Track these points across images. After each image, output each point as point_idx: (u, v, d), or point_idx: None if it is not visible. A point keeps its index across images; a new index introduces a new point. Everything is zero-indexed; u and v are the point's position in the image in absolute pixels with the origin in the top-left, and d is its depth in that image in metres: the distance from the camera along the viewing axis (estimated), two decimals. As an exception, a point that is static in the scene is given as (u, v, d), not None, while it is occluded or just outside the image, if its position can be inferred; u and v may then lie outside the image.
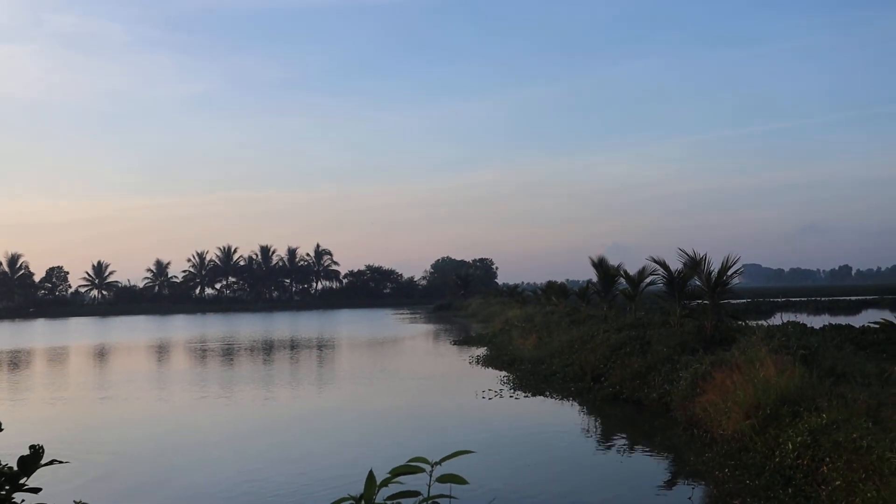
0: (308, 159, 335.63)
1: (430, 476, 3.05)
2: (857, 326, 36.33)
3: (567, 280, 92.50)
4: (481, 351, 45.24)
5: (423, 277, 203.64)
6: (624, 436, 20.72)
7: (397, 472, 2.99)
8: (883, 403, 14.55)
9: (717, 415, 18.46)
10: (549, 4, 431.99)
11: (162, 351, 54.17)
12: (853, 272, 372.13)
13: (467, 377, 33.39)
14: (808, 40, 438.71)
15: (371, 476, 2.98)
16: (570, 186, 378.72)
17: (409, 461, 3.05)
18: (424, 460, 3.06)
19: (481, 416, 23.64)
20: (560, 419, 23.02)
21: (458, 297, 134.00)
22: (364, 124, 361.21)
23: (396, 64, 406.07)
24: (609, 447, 19.23)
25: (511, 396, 26.88)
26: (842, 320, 51.34)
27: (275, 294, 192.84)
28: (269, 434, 21.71)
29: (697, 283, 29.84)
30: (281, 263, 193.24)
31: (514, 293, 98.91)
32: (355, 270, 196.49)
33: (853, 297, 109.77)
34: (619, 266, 43.77)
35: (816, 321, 46.24)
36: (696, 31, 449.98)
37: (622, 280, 42.17)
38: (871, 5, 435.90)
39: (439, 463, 3.04)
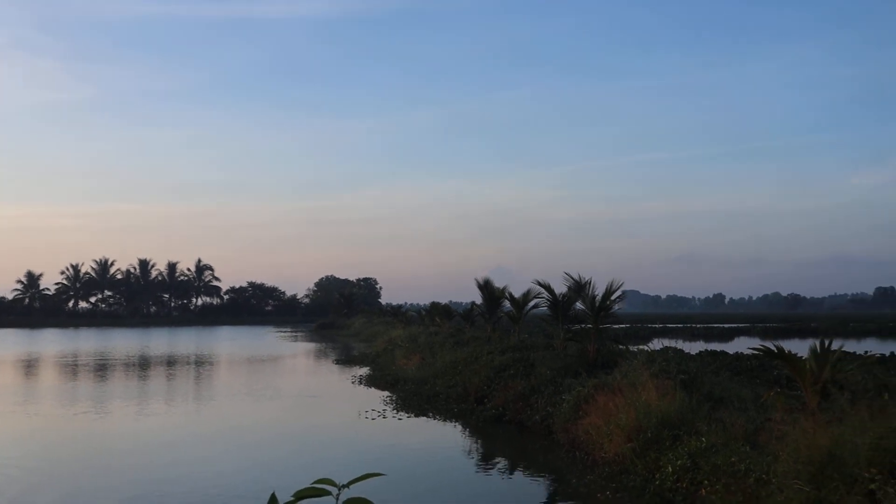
0: (184, 172, 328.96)
1: (337, 499, 2.84)
2: (731, 353, 37.51)
3: (451, 301, 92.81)
4: (364, 370, 44.81)
5: (307, 296, 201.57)
6: (507, 458, 20.70)
7: (301, 494, 2.78)
8: (759, 428, 14.91)
9: (600, 437, 18.62)
10: (428, 34, 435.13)
11: (28, 365, 51.86)
12: (726, 300, 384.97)
13: (350, 397, 32.98)
14: (684, 77, 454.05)
15: (273, 499, 2.77)
16: (455, 209, 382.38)
17: (315, 483, 2.84)
18: (331, 482, 2.87)
19: (364, 436, 23.33)
20: (443, 440, 22.89)
21: (341, 315, 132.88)
22: (244, 141, 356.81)
23: (277, 83, 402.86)
24: (491, 469, 19.18)
25: (394, 417, 26.63)
26: (716, 347, 52.89)
27: (153, 309, 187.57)
28: (151, 455, 20.91)
29: (581, 307, 30.19)
30: (160, 278, 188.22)
31: (398, 313, 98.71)
32: (237, 287, 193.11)
33: (726, 325, 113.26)
34: (504, 288, 44.11)
35: (692, 347, 47.53)
36: (575, 63, 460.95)
37: (507, 302, 42.47)
38: (738, 50, 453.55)
39: (347, 486, 2.84)
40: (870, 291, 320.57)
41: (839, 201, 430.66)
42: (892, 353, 33.74)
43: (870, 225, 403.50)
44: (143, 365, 51.03)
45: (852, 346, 26.75)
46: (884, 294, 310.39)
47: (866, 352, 38.30)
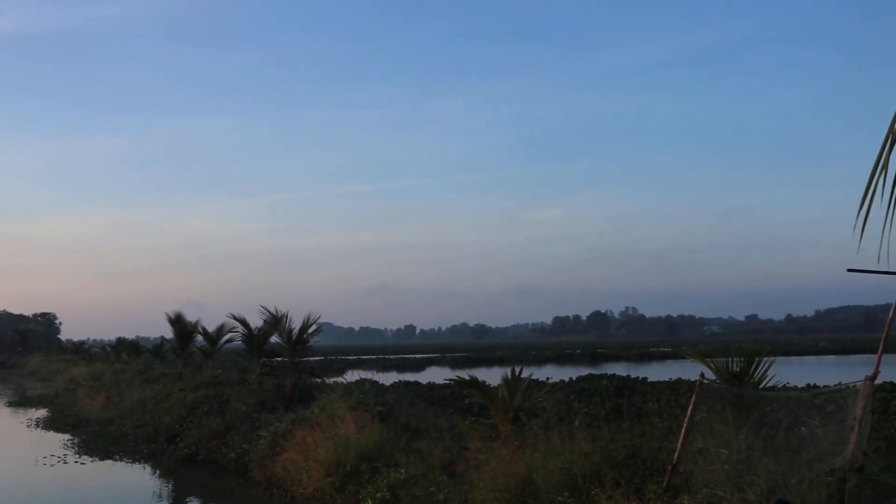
0: None
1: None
2: (425, 383, 38.40)
3: (139, 336, 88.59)
4: (42, 412, 41.59)
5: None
6: (200, 499, 19.87)
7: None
8: (456, 457, 15.18)
9: (298, 473, 18.25)
10: (108, 63, 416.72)
11: None
12: (417, 331, 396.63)
13: (25, 442, 30.40)
14: (393, 109, 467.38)
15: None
16: (146, 239, 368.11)
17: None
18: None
19: (42, 485, 21.48)
20: (131, 484, 21.58)
21: (15, 354, 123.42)
22: None
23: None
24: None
25: (77, 462, 24.79)
26: (410, 377, 54.08)
27: None
28: None
29: (278, 340, 29.65)
30: None
31: (81, 350, 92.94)
32: None
33: (418, 355, 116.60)
34: (196, 322, 42.67)
35: (387, 378, 48.22)
36: (283, 93, 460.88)
37: (200, 337, 41.10)
38: (444, 84, 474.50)
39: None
40: (549, 321, 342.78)
41: (520, 235, 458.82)
42: (570, 378, 35.96)
43: (547, 258, 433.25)
44: None
45: (534, 372, 28.09)
46: (561, 322, 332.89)
47: (548, 378, 40.68)
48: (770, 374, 11.90)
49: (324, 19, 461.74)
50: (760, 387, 11.51)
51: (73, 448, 27.59)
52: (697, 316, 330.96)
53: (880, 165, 5.74)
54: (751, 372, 11.89)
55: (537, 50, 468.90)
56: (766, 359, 11.96)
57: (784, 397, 11.30)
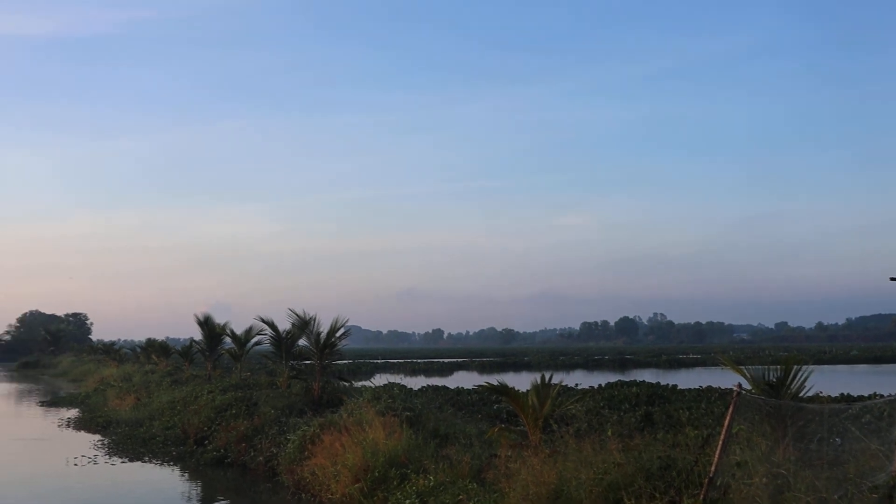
0: None
1: None
2: (453, 388, 38.23)
3: (168, 338, 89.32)
4: (73, 413, 41.84)
5: (7, 332, 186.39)
6: (227, 502, 19.83)
7: None
8: (486, 464, 15.02)
9: (326, 478, 18.17)
10: (132, 65, 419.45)
11: None
12: (445, 335, 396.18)
13: (57, 442, 30.56)
14: (411, 114, 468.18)
15: None
16: (174, 241, 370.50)
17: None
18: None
19: (73, 486, 21.54)
20: (160, 486, 21.58)
21: (47, 353, 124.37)
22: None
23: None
24: (212, 516, 18.22)
25: (107, 462, 24.86)
26: (437, 381, 53.88)
27: None
28: None
29: (306, 343, 29.61)
30: None
31: (111, 350, 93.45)
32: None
33: (445, 360, 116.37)
34: (225, 325, 42.74)
35: (414, 382, 48.13)
36: (298, 97, 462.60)
37: (228, 339, 41.18)
38: (459, 91, 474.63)
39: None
40: (576, 326, 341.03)
41: (548, 240, 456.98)
42: (599, 385, 35.69)
43: (575, 263, 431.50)
44: None
45: (563, 378, 27.95)
46: (589, 328, 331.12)
47: (577, 385, 40.43)
48: (807, 383, 11.69)
49: (342, 26, 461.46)
50: (799, 397, 11.27)
51: (104, 449, 27.69)
52: (726, 323, 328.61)
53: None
54: (788, 382, 11.66)
55: (555, 59, 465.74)
56: (803, 368, 11.73)
57: (825, 409, 11.01)
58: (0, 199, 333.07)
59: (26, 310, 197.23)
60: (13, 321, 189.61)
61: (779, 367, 11.81)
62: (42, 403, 50.12)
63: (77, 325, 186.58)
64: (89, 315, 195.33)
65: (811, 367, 12.24)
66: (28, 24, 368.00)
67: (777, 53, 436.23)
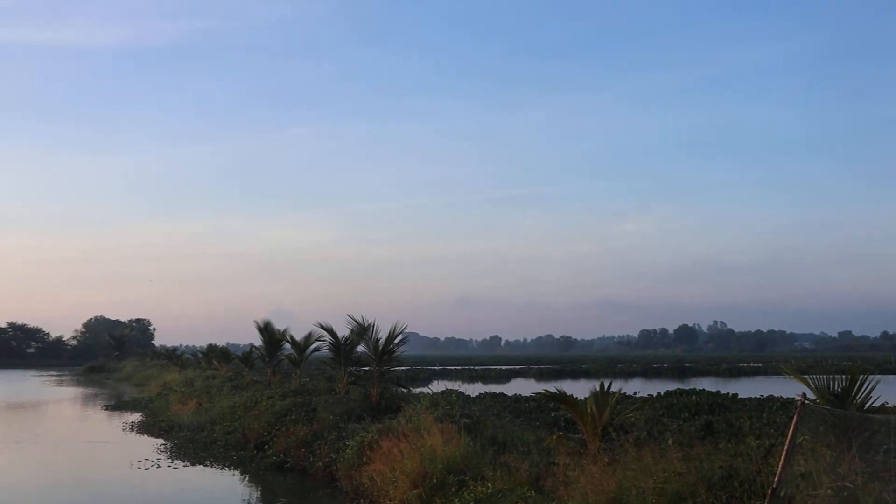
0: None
1: None
2: (510, 395, 38.15)
3: (229, 343, 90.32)
4: (136, 417, 42.60)
5: (74, 337, 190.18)
6: (288, 507, 20.03)
7: None
8: (544, 472, 14.96)
9: (385, 484, 18.24)
10: (202, 71, 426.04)
11: None
12: (502, 342, 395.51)
13: (121, 445, 31.11)
14: (464, 122, 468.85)
15: None
16: (233, 248, 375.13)
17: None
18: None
19: (137, 489, 21.91)
20: (221, 490, 21.86)
21: (111, 358, 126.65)
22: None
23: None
24: (273, 520, 18.38)
25: (169, 466, 25.25)
26: (495, 388, 53.79)
27: None
28: None
29: (364, 349, 29.77)
30: None
31: (173, 356, 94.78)
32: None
33: (503, 367, 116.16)
34: (284, 331, 43.14)
35: (472, 389, 48.02)
36: (354, 106, 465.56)
37: (288, 345, 41.55)
38: (513, 98, 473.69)
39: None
40: (635, 334, 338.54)
41: (606, 247, 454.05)
42: (658, 393, 35.36)
43: (634, 271, 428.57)
44: None
45: (621, 386, 27.87)
46: (647, 336, 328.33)
47: (636, 392, 40.05)
48: (872, 394, 11.45)
49: (392, 34, 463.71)
50: (865, 407, 11.05)
51: (166, 453, 28.12)
52: (788, 331, 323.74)
53: None
54: (854, 391, 11.44)
55: (600, 68, 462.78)
56: (869, 377, 11.50)
57: (893, 420, 10.76)
58: (79, 206, 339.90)
59: (91, 315, 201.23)
60: (79, 327, 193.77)
61: (844, 376, 11.60)
62: (107, 407, 51.06)
63: (140, 330, 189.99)
64: (152, 321, 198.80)
65: (877, 376, 12.00)
66: (100, 35, 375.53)
67: (835, 58, 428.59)
